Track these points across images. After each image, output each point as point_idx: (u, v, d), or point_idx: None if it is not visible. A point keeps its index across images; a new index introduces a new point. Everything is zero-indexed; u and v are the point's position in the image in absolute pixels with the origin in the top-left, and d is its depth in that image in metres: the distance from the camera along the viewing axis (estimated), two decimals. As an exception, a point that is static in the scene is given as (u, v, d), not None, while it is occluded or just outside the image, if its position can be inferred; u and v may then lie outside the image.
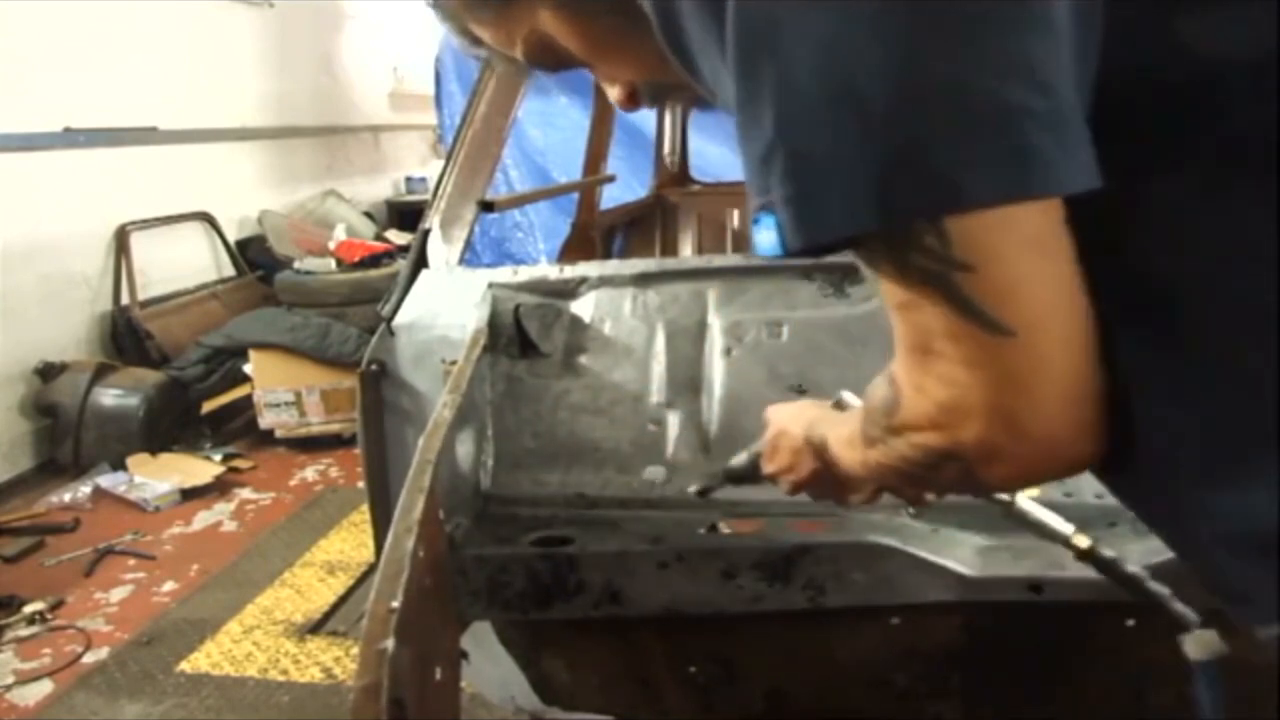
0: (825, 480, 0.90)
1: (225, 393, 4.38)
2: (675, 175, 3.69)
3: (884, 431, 0.59)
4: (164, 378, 4.24)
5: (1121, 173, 0.49)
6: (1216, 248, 0.53)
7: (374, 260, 4.87)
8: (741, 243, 3.56)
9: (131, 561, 3.29)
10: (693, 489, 1.27)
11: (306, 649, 2.69)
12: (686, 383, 1.51)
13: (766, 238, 0.53)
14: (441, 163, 1.98)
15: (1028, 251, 0.49)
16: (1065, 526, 0.97)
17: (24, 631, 2.83)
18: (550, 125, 4.97)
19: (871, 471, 0.65)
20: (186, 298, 4.94)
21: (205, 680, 2.56)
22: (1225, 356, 0.53)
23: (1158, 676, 1.31)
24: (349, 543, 3.36)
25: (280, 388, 4.26)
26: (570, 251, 3.10)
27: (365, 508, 1.75)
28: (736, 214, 3.58)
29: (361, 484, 1.81)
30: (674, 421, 1.49)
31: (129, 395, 4.07)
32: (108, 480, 3.87)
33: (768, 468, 1.03)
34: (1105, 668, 1.33)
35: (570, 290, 1.60)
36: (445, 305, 1.62)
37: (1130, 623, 1.25)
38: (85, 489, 3.81)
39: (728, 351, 1.50)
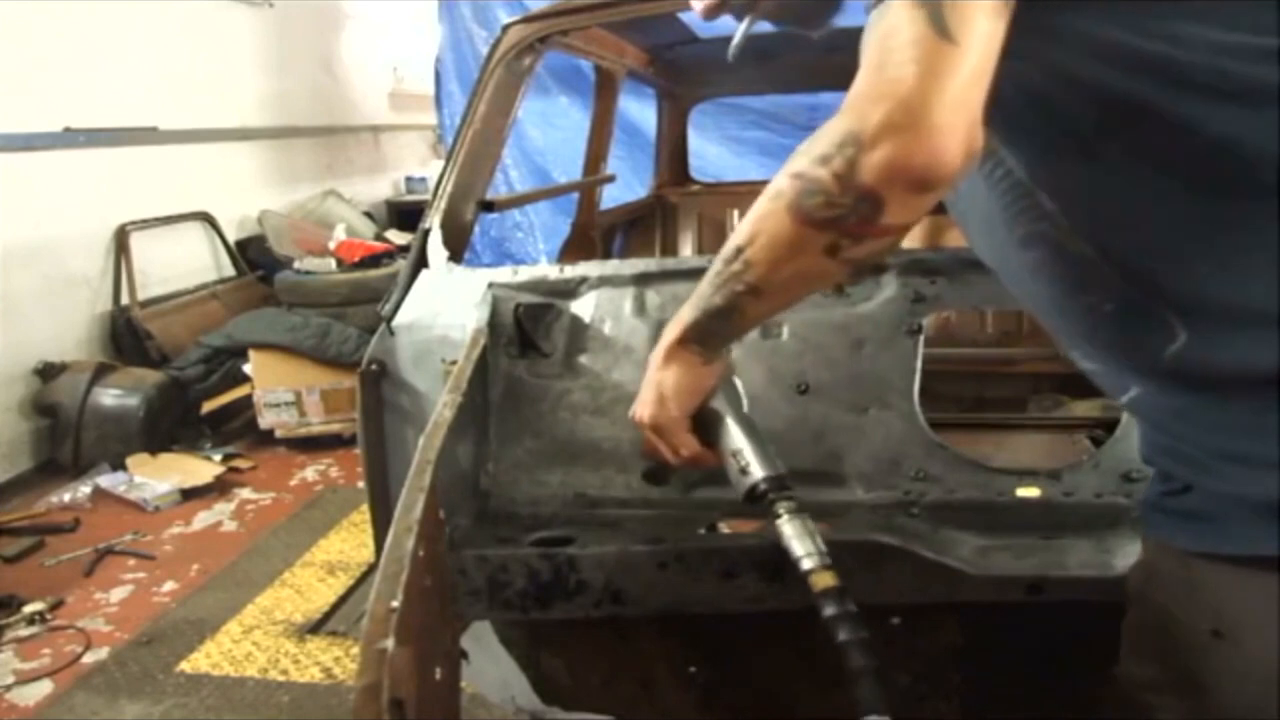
0: (706, 341, 0.99)
1: (225, 393, 4.38)
2: (675, 175, 3.69)
3: (809, 141, 0.78)
4: (164, 378, 4.24)
5: None
6: None
7: (374, 260, 4.88)
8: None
9: (131, 561, 3.29)
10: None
11: (306, 649, 2.69)
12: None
13: None
14: (441, 163, 1.98)
15: (987, 6, 0.72)
16: (811, 557, 0.95)
17: (24, 631, 2.84)
18: (550, 125, 4.97)
19: (774, 201, 0.82)
20: (186, 298, 4.94)
21: (205, 680, 2.56)
22: None
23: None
24: (349, 543, 3.36)
25: (280, 388, 4.26)
26: (570, 251, 3.10)
27: (365, 508, 1.75)
28: (736, 214, 3.58)
29: (361, 484, 1.81)
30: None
31: (129, 395, 4.07)
32: (108, 480, 3.87)
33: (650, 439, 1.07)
34: (1105, 668, 1.33)
35: (570, 290, 1.60)
36: (445, 305, 1.62)
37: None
38: (85, 489, 3.81)
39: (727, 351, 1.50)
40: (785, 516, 0.98)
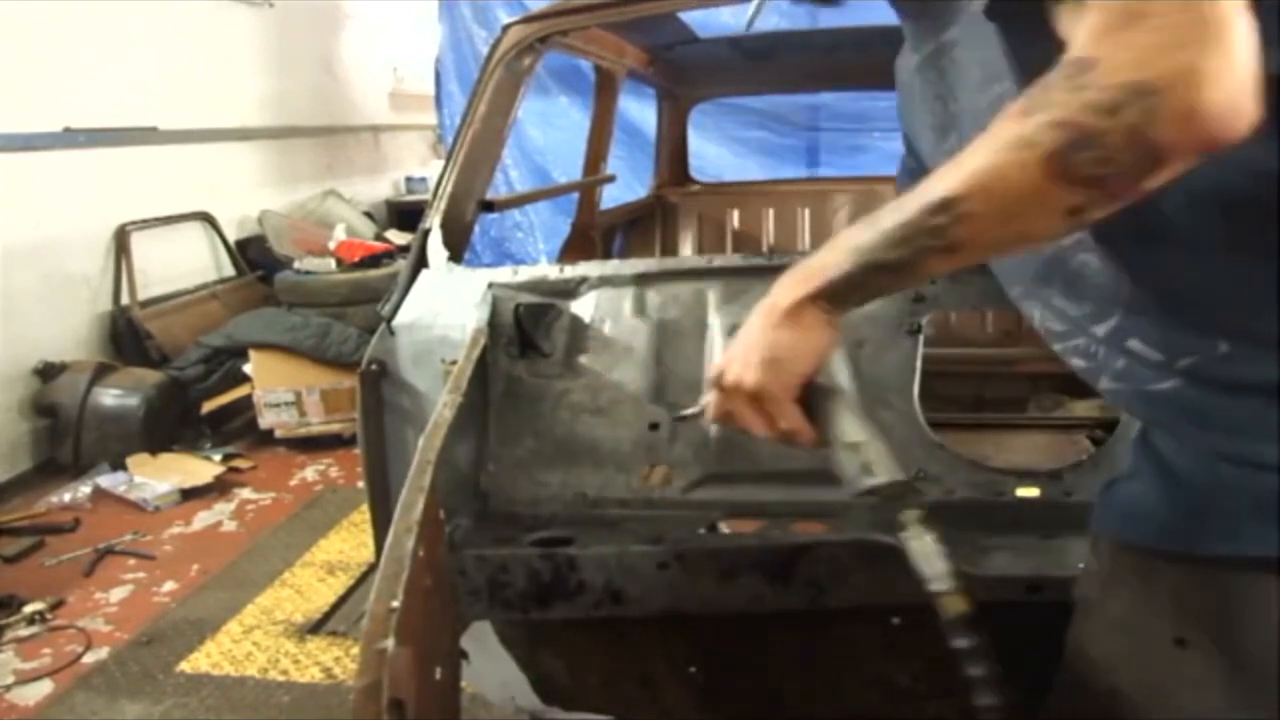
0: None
1: (225, 393, 4.38)
2: (675, 175, 3.69)
3: (1067, 90, 0.66)
4: (164, 378, 4.24)
5: None
6: None
7: (374, 260, 4.88)
8: (741, 243, 3.56)
9: (131, 561, 3.29)
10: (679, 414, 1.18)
11: (306, 649, 2.69)
12: (686, 383, 1.51)
13: None
14: (441, 163, 1.98)
15: None
16: (941, 579, 0.88)
17: (24, 631, 2.83)
18: (550, 125, 4.98)
19: (1022, 150, 0.69)
20: (186, 298, 4.93)
21: (205, 680, 2.56)
22: None
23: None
24: (349, 543, 3.36)
25: (280, 388, 4.26)
26: (570, 251, 3.10)
27: (365, 508, 1.75)
28: (737, 214, 3.58)
29: (361, 484, 1.81)
30: (674, 421, 1.49)
31: (129, 395, 4.07)
32: (108, 480, 3.87)
33: (718, 407, 0.93)
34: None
35: (570, 290, 1.60)
36: (445, 305, 1.62)
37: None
38: (85, 489, 3.81)
39: (728, 351, 1.50)
40: (913, 531, 0.89)
